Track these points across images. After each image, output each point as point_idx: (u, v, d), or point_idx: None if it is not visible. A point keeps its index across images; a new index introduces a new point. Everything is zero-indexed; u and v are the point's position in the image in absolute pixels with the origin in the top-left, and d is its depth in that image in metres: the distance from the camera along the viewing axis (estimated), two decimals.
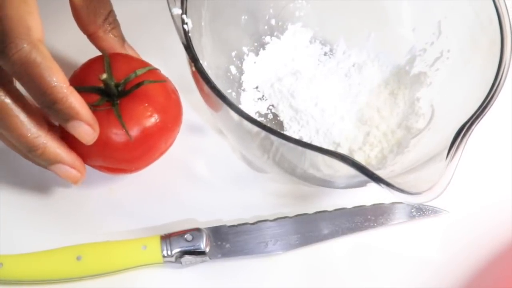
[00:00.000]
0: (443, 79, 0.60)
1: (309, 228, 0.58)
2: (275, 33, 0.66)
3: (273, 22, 0.66)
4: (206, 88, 0.50)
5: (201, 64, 0.51)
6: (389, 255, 0.58)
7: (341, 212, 0.59)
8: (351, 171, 0.47)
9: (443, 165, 0.47)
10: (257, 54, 0.65)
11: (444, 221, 0.59)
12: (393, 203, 0.59)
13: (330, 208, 0.59)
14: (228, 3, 0.62)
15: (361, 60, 0.65)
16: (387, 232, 0.59)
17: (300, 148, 0.49)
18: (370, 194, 0.60)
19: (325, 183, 0.55)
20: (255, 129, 0.49)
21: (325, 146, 0.60)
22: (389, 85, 0.63)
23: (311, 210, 0.59)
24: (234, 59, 0.64)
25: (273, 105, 0.63)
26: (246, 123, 0.49)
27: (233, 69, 0.63)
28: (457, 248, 0.58)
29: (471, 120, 0.49)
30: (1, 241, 0.56)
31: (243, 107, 0.62)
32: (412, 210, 0.59)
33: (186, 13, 0.53)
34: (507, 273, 0.57)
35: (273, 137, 0.49)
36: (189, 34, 0.52)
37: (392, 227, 0.59)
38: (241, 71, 0.64)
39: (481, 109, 0.50)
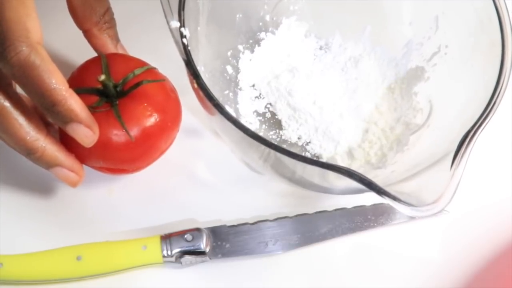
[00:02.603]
0: (441, 75, 0.60)
1: (309, 228, 0.58)
2: (270, 29, 0.66)
3: (267, 18, 0.66)
4: (208, 103, 0.50)
5: (203, 81, 0.51)
6: (389, 255, 0.58)
7: (341, 212, 0.59)
8: (354, 183, 0.47)
9: (448, 174, 0.47)
10: (252, 51, 0.64)
11: (444, 221, 0.59)
12: None
13: (330, 208, 0.59)
14: (223, 3, 0.62)
15: (357, 53, 0.64)
16: (387, 232, 0.59)
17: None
18: (370, 194, 0.59)
19: (323, 189, 0.55)
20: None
21: (324, 144, 0.60)
22: (386, 79, 0.63)
23: (311, 210, 0.59)
24: (230, 58, 0.64)
25: (270, 104, 0.63)
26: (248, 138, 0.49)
27: (229, 69, 0.63)
28: (457, 248, 0.58)
29: (474, 128, 0.49)
30: (1, 241, 0.56)
31: (241, 106, 0.62)
32: None
33: (184, 25, 0.53)
34: (507, 273, 0.57)
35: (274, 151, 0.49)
36: (188, 48, 0.52)
37: (392, 227, 0.59)
38: (237, 70, 0.64)
39: (483, 116, 0.50)
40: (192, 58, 0.51)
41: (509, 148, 0.63)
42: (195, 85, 0.51)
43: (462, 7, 0.57)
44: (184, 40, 0.52)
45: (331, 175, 0.47)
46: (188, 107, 0.60)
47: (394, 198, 0.46)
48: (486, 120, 0.50)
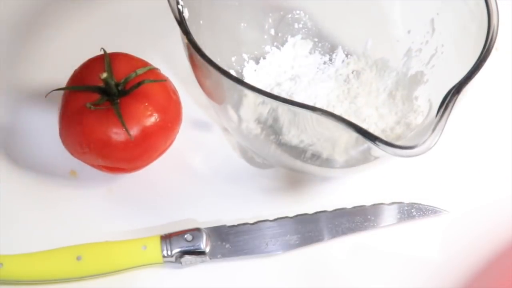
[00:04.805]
0: (439, 74, 0.60)
1: (309, 228, 0.58)
2: (275, 43, 0.66)
3: (272, 32, 0.66)
4: (198, 59, 0.51)
5: (193, 37, 0.51)
6: (389, 255, 0.58)
7: (341, 212, 0.59)
8: (344, 136, 0.49)
9: (435, 121, 0.47)
10: (257, 63, 0.65)
11: (444, 221, 0.59)
12: (393, 203, 0.59)
13: (330, 208, 0.59)
14: (224, 8, 0.63)
15: (360, 67, 0.65)
16: (387, 232, 0.59)
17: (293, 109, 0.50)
18: (370, 194, 0.60)
19: (326, 163, 0.56)
20: (251, 93, 0.51)
21: (324, 144, 0.60)
22: (387, 88, 0.64)
23: (311, 210, 0.59)
24: (234, 64, 0.64)
25: (273, 109, 0.64)
26: (245, 90, 0.51)
27: (233, 74, 0.63)
28: (457, 248, 0.58)
29: (464, 78, 0.50)
30: (1, 241, 0.56)
31: (242, 112, 0.63)
32: (412, 210, 0.59)
33: None
34: (507, 273, 0.57)
35: (268, 100, 0.51)
36: (183, 14, 0.53)
37: (392, 227, 0.59)
38: (241, 76, 0.64)
39: (471, 70, 0.51)
40: (184, 19, 0.52)
41: (509, 148, 0.63)
42: (186, 41, 0.51)
43: (454, 4, 0.57)
44: (179, 7, 0.53)
45: (332, 125, 0.49)
46: (188, 107, 0.60)
47: (380, 140, 0.47)
48: (474, 73, 0.50)
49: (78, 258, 0.55)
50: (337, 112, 0.61)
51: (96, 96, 0.55)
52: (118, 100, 0.55)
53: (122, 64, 0.57)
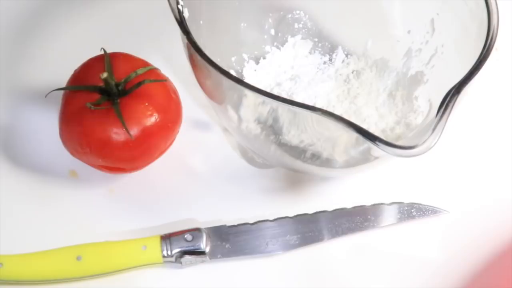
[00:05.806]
0: (439, 74, 0.60)
1: (309, 228, 0.58)
2: (275, 43, 0.66)
3: (272, 32, 0.66)
4: (198, 59, 0.51)
5: (193, 37, 0.52)
6: (389, 255, 0.58)
7: (341, 212, 0.59)
8: (344, 136, 0.49)
9: (435, 121, 0.47)
10: (257, 63, 0.65)
11: (444, 221, 0.59)
12: (393, 203, 0.59)
13: (330, 208, 0.59)
14: (224, 8, 0.63)
15: (360, 67, 0.65)
16: (387, 232, 0.59)
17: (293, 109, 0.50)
18: (370, 194, 0.60)
19: (326, 163, 0.56)
20: (251, 93, 0.51)
21: (324, 144, 0.60)
22: (387, 88, 0.64)
23: (311, 210, 0.59)
24: (234, 64, 0.65)
25: (273, 109, 0.64)
26: (244, 89, 0.51)
27: (233, 74, 0.63)
28: (457, 248, 0.58)
29: (464, 78, 0.50)
30: (1, 241, 0.56)
31: (243, 112, 0.63)
32: (412, 210, 0.59)
33: None
34: (507, 273, 0.57)
35: (268, 99, 0.51)
36: (183, 14, 0.53)
37: (392, 227, 0.59)
38: (241, 76, 0.64)
39: (471, 70, 0.51)
40: (184, 19, 0.52)
41: (509, 148, 0.64)
42: (186, 41, 0.51)
43: (454, 4, 0.57)
44: (179, 6, 0.53)
45: (332, 126, 0.49)
46: (188, 107, 0.60)
47: (380, 139, 0.47)
48: (474, 73, 0.50)
49: (78, 258, 0.55)
50: (337, 112, 0.61)
51: (96, 96, 0.55)
52: (118, 100, 0.55)
53: (122, 64, 0.57)
